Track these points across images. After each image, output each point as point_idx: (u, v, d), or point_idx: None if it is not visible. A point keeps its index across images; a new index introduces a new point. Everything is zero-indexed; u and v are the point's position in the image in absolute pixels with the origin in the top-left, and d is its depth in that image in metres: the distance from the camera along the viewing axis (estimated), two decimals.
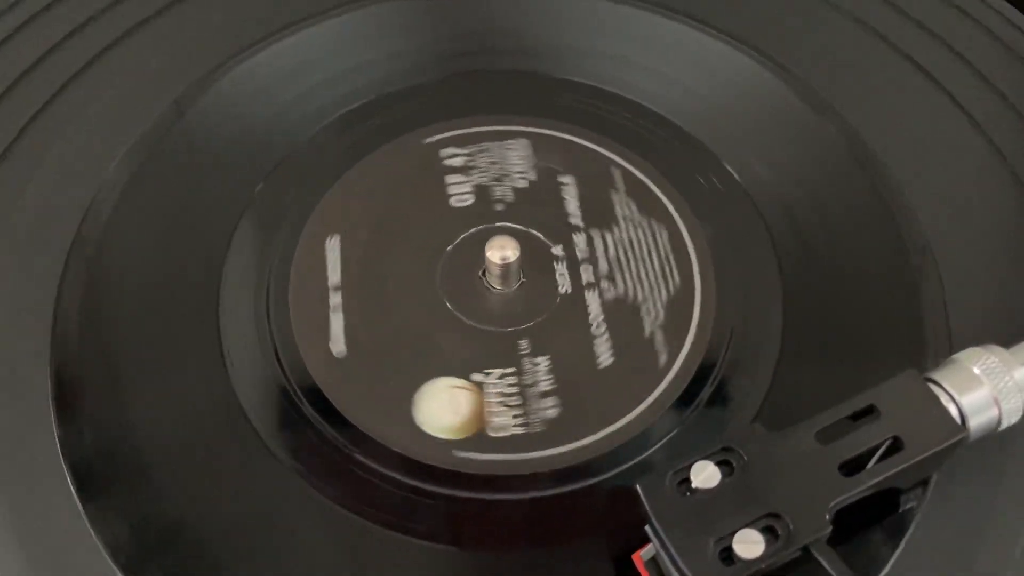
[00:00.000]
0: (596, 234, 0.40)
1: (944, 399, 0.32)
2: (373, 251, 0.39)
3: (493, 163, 0.42)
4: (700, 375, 0.37)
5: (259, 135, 0.43)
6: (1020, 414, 0.32)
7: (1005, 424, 0.32)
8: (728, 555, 0.29)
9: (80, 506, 0.33)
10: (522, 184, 0.41)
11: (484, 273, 0.38)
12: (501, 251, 0.37)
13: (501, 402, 0.36)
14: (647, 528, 0.30)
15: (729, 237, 0.40)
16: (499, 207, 0.40)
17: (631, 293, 0.38)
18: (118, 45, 0.44)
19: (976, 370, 0.32)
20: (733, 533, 0.29)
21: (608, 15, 0.45)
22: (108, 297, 0.39)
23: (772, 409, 0.36)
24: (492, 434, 0.35)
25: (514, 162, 0.42)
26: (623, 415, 0.36)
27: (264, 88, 0.43)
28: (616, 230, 0.40)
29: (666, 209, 0.40)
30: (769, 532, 0.29)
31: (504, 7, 0.45)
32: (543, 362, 0.37)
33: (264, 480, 0.35)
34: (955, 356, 0.33)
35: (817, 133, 0.42)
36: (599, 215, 0.40)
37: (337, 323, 0.37)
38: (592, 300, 0.38)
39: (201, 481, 0.35)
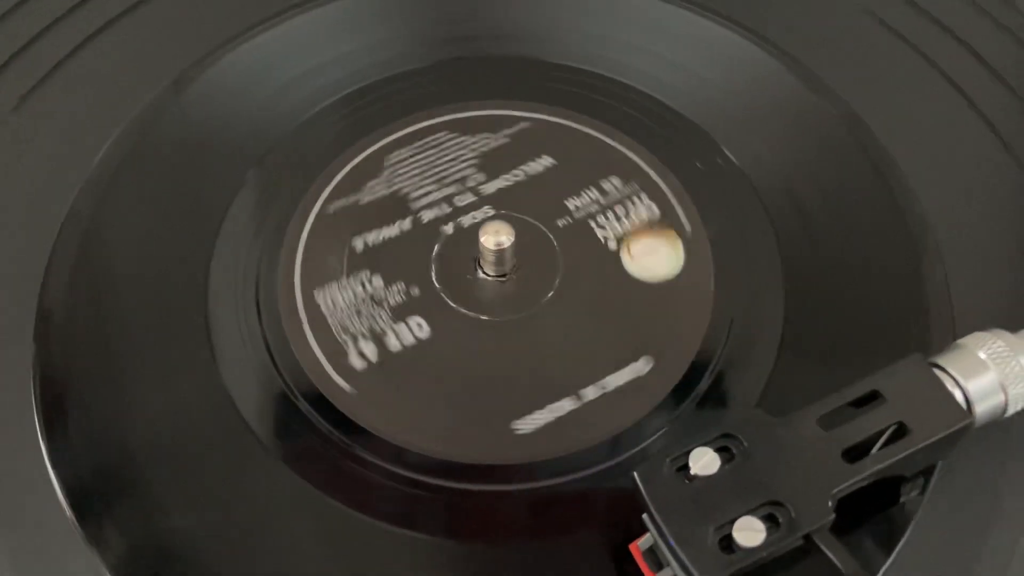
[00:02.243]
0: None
1: (949, 384, 0.31)
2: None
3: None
4: (699, 363, 0.36)
5: (253, 119, 0.42)
6: None
7: (1012, 410, 0.32)
8: (728, 543, 0.29)
9: (75, 522, 0.33)
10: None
11: (478, 261, 0.38)
12: (495, 236, 0.37)
13: None
14: (644, 517, 0.30)
15: (728, 222, 0.39)
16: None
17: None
18: (112, 27, 0.44)
19: (982, 355, 0.32)
20: (733, 521, 0.29)
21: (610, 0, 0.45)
22: (96, 287, 0.38)
23: (773, 398, 0.35)
24: None
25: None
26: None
27: (258, 72, 0.43)
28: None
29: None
30: (770, 520, 0.29)
31: None
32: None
33: (259, 477, 0.34)
34: (960, 341, 0.33)
35: (817, 117, 0.42)
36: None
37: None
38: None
39: (197, 484, 0.34)
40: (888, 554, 0.32)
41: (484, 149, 0.41)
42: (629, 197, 0.39)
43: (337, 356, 0.36)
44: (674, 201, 0.39)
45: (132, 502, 0.34)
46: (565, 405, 0.35)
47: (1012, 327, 0.33)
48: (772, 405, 0.34)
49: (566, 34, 0.44)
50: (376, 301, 0.37)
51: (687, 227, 0.39)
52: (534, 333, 0.37)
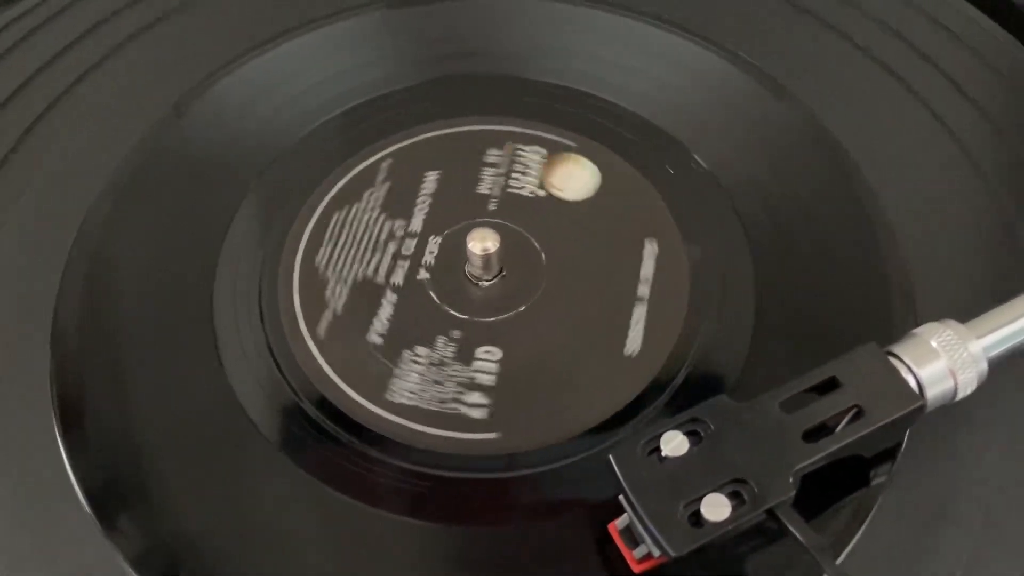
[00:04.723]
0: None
1: (903, 371, 0.33)
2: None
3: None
4: (677, 355, 0.38)
5: (250, 139, 0.44)
6: (975, 385, 0.34)
7: (961, 395, 0.34)
8: (697, 519, 0.30)
9: (95, 519, 0.34)
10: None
11: (467, 267, 0.40)
12: (482, 242, 0.39)
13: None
14: (620, 498, 0.32)
15: (701, 223, 0.41)
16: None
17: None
18: (116, 54, 0.46)
19: (934, 344, 0.33)
20: (701, 498, 0.30)
21: (579, 17, 0.47)
22: (107, 304, 0.40)
23: (745, 387, 0.37)
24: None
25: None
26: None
27: (253, 96, 0.45)
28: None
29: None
30: (736, 497, 0.31)
31: (477, 15, 0.47)
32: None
33: (263, 472, 0.36)
34: (914, 331, 0.34)
35: (782, 123, 0.43)
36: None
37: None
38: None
39: (207, 479, 0.36)
40: (854, 532, 0.34)
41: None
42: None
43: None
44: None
45: (147, 499, 0.35)
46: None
47: (967, 318, 0.35)
48: (743, 394, 0.35)
49: (545, 53, 0.46)
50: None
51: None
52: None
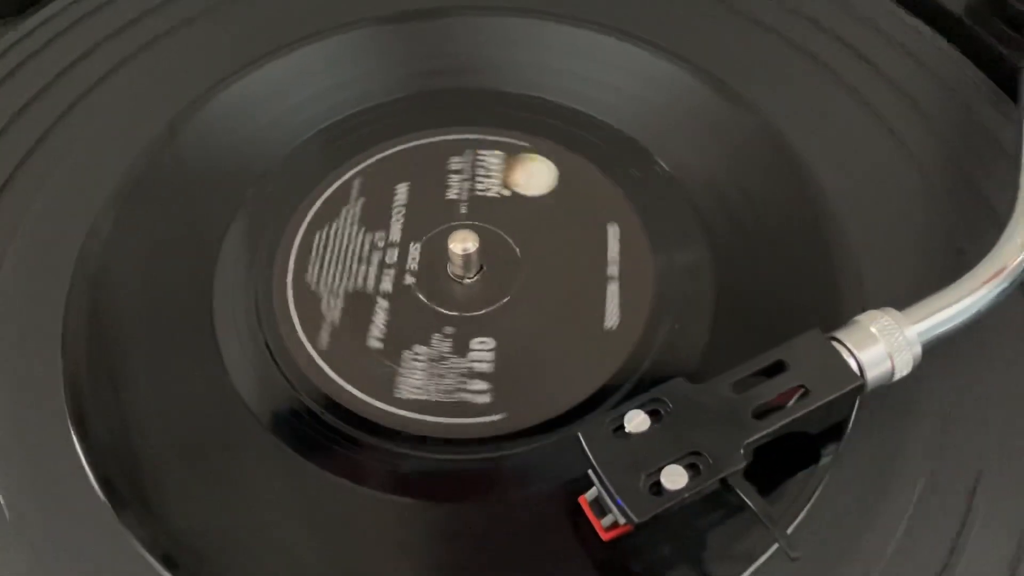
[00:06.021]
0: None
1: (845, 354, 0.36)
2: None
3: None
4: (642, 344, 0.41)
5: (243, 153, 0.46)
6: (910, 367, 0.37)
7: (898, 375, 0.36)
8: (658, 488, 0.33)
9: (115, 515, 0.36)
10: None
11: (449, 268, 0.43)
12: (462, 243, 0.41)
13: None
14: (589, 471, 0.34)
15: (663, 221, 0.44)
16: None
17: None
18: (113, 74, 0.48)
19: (873, 329, 0.36)
20: (660, 469, 0.33)
21: (553, 34, 0.49)
22: (111, 312, 0.42)
23: (705, 372, 0.39)
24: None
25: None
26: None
27: (244, 112, 0.47)
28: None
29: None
30: (692, 468, 0.34)
31: (454, 33, 0.50)
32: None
33: (260, 459, 0.38)
34: (856, 318, 0.37)
35: (736, 126, 0.46)
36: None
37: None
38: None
39: (210, 469, 0.38)
40: (804, 505, 0.36)
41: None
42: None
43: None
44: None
45: (158, 488, 0.38)
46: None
47: (909, 306, 0.37)
48: (704, 375, 0.37)
49: (521, 66, 0.49)
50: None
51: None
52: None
